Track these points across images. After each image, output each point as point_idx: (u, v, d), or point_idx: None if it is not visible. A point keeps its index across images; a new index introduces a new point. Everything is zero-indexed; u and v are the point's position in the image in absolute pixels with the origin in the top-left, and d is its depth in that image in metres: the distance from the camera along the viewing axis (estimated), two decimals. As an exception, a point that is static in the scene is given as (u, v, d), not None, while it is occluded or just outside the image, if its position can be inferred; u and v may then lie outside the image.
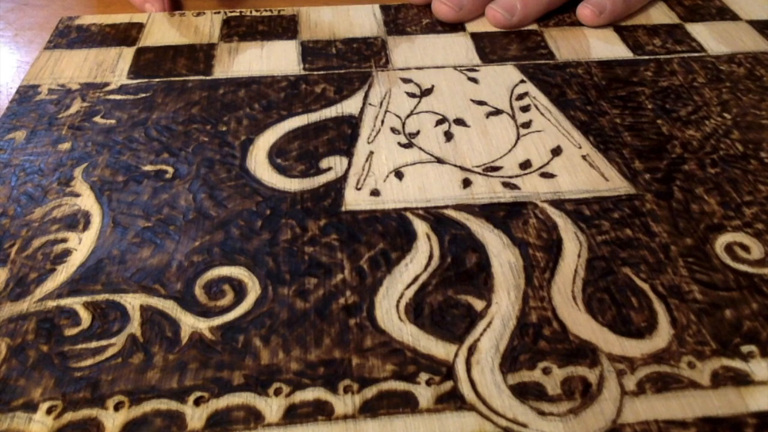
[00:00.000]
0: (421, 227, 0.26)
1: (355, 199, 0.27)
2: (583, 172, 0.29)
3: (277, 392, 0.20)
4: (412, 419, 0.20)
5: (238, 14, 0.40)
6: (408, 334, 0.22)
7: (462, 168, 0.29)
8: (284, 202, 0.27)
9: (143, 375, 0.21)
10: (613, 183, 0.28)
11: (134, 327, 0.22)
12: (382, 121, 0.31)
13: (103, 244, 0.25)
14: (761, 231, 0.26)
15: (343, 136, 0.31)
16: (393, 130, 0.31)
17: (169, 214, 0.26)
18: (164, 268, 0.24)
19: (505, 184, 0.28)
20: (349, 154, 0.30)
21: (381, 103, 0.33)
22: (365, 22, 0.39)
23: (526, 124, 0.31)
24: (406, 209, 0.27)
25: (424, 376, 0.21)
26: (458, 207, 0.27)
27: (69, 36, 0.37)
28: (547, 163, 0.29)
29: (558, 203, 0.27)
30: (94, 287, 0.24)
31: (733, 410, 0.20)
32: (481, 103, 0.33)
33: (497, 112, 0.32)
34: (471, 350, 0.22)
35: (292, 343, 0.22)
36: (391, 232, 0.26)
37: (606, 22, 0.39)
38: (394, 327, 0.22)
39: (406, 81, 0.34)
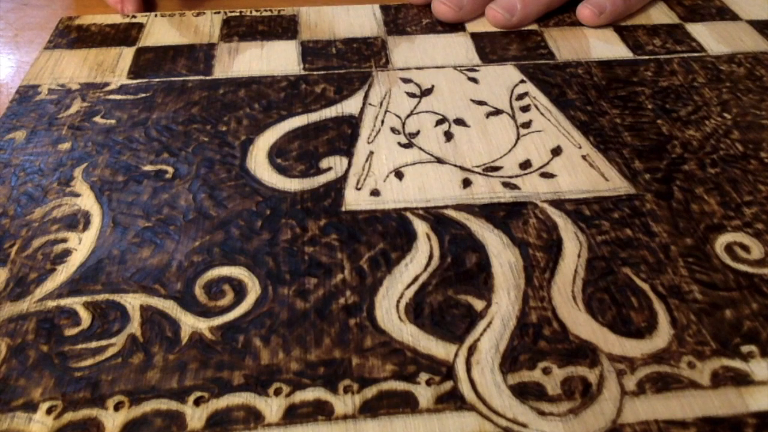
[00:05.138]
0: (421, 227, 0.26)
1: (355, 199, 0.27)
2: (583, 172, 0.29)
3: (277, 392, 0.20)
4: (412, 419, 0.20)
5: (238, 14, 0.40)
6: (408, 334, 0.22)
7: (462, 168, 0.29)
8: (284, 202, 0.27)
9: (143, 375, 0.21)
10: (613, 183, 0.28)
11: (134, 327, 0.22)
12: (382, 121, 0.31)
13: (103, 244, 0.25)
14: (761, 231, 0.26)
15: (343, 136, 0.31)
16: (393, 130, 0.31)
17: (169, 214, 0.26)
18: (164, 268, 0.24)
19: (505, 184, 0.28)
20: (349, 154, 0.30)
21: (381, 103, 0.33)
22: (365, 22, 0.39)
23: (526, 124, 0.31)
24: (406, 209, 0.27)
25: (424, 376, 0.21)
26: (458, 207, 0.27)
27: (69, 36, 0.37)
28: (547, 163, 0.29)
29: (558, 203, 0.27)
30: (94, 287, 0.24)
31: (733, 410, 0.20)
32: (481, 103, 0.33)
33: (497, 112, 0.32)
34: (471, 350, 0.22)
35: (292, 343, 0.22)
36: (391, 232, 0.26)
37: (606, 22, 0.39)
38: (394, 327, 0.22)
39: (406, 81, 0.34)
